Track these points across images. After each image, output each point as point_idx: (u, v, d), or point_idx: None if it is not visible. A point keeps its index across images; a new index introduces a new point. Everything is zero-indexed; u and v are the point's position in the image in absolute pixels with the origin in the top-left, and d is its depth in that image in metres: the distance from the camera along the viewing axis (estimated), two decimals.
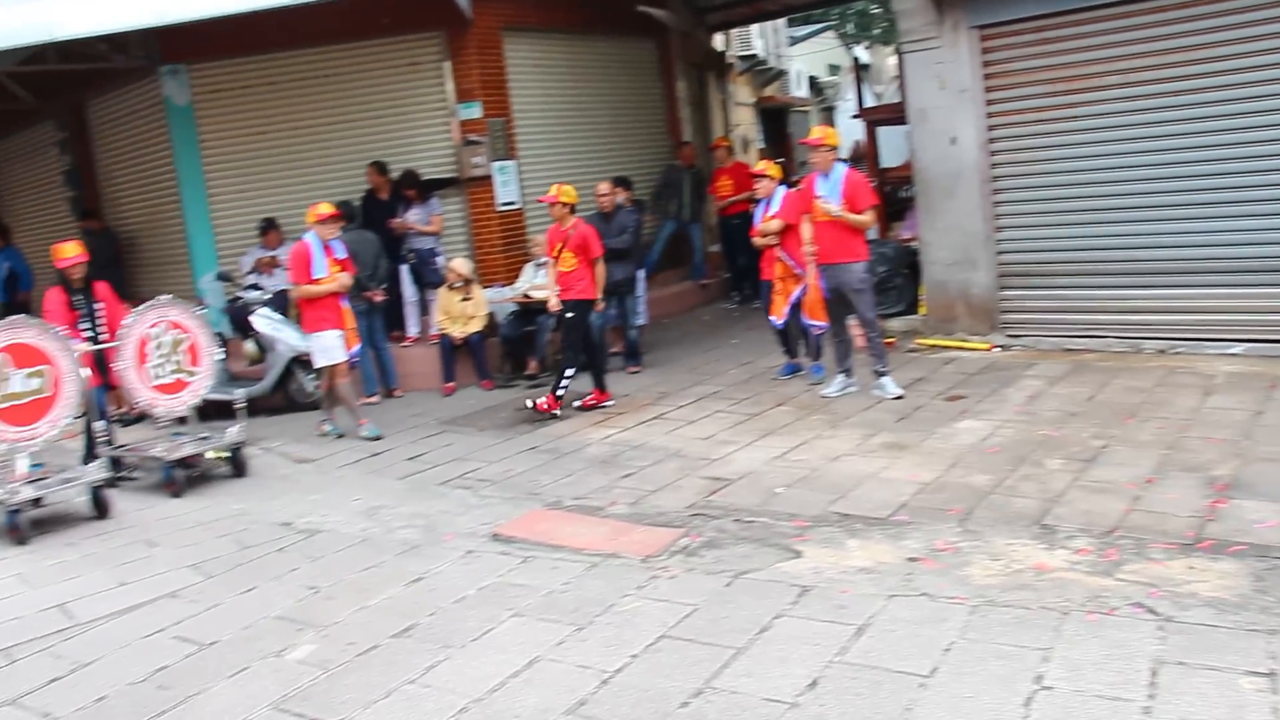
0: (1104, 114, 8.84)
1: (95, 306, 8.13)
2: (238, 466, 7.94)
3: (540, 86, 12.06)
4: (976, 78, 9.38)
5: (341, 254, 8.68)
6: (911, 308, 10.62)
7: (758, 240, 9.00)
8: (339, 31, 11.12)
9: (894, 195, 12.68)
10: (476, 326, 10.19)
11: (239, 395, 8.19)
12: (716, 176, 13.59)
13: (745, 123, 20.23)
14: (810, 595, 4.75)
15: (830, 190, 8.03)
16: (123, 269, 13.31)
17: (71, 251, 8.05)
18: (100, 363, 7.89)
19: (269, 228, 11.02)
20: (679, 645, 4.38)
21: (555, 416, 8.59)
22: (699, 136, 15.20)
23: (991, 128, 9.44)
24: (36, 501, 7.11)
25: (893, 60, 26.84)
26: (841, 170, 8.14)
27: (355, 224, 9.97)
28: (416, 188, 10.68)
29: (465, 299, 10.17)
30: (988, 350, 9.44)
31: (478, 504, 6.66)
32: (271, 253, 10.97)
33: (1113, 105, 8.80)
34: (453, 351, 10.14)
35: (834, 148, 8.17)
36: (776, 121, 23.98)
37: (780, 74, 23.55)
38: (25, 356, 6.92)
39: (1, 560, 6.49)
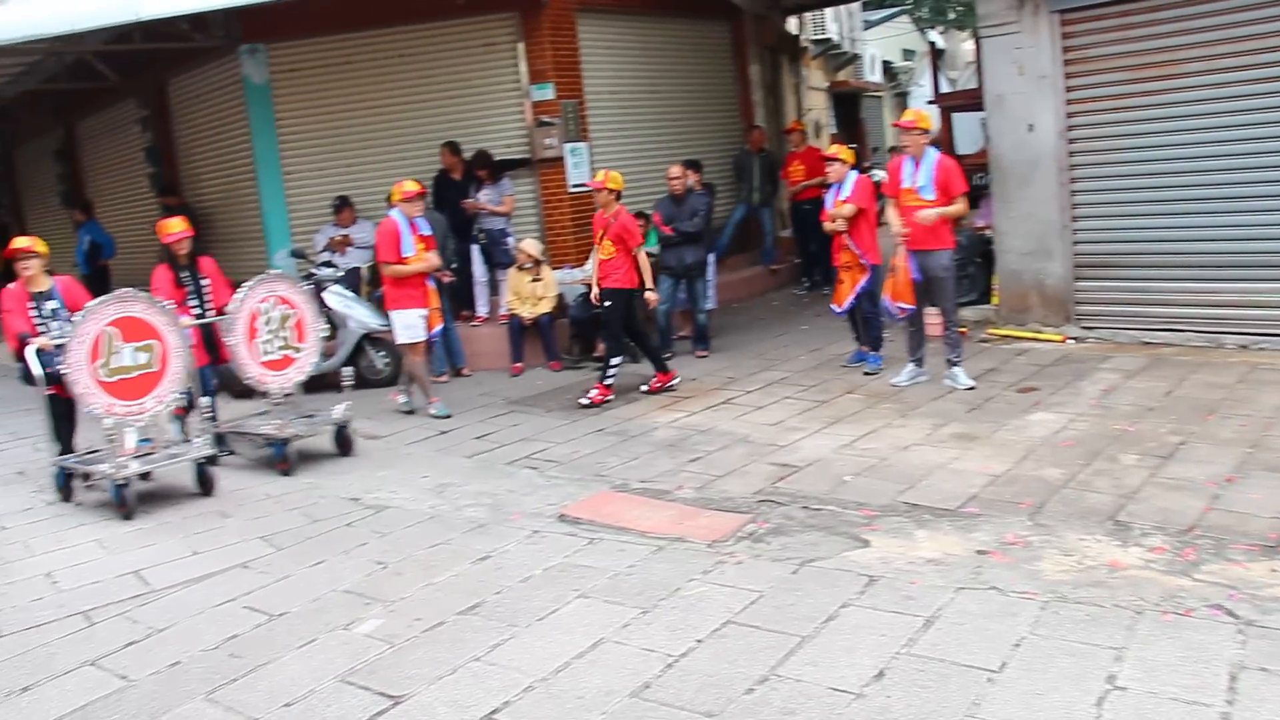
0: (1187, 101, 8.62)
1: (201, 282, 8.06)
2: (343, 445, 7.88)
3: (613, 68, 12.05)
4: (1056, 64, 9.19)
5: (427, 231, 8.72)
6: (984, 297, 10.47)
7: (828, 225, 8.89)
8: (414, 12, 11.21)
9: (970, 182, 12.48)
10: (546, 308, 10.23)
11: (336, 369, 8.36)
12: (789, 161, 13.51)
13: (818, 107, 20.07)
14: (877, 585, 4.72)
15: (923, 176, 7.88)
16: (199, 244, 13.56)
17: (177, 227, 7.99)
18: (207, 339, 7.93)
19: (342, 206, 11.15)
20: (744, 631, 4.38)
21: (609, 402, 8.63)
22: (771, 120, 15.10)
23: (1070, 115, 9.25)
24: (144, 476, 7.19)
25: (968, 45, 26.43)
26: (934, 155, 7.97)
27: (420, 203, 10.03)
28: (489, 168, 10.74)
29: (535, 280, 10.22)
30: (1061, 342, 9.28)
31: (544, 484, 6.70)
32: (344, 231, 11.11)
33: (1196, 93, 8.58)
34: (521, 332, 10.20)
35: (927, 131, 8.00)
36: (849, 106, 23.77)
37: (854, 58, 23.33)
38: (134, 330, 6.89)
39: (81, 526, 6.67)
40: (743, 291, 13.15)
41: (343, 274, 10.50)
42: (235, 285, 7.98)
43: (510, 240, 10.73)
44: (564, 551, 5.47)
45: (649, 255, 10.51)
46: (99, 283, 15.63)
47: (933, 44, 16.29)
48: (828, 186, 9.34)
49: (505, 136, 11.32)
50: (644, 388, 8.82)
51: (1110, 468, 5.97)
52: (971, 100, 11.60)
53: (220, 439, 7.88)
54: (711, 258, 10.55)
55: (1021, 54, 9.32)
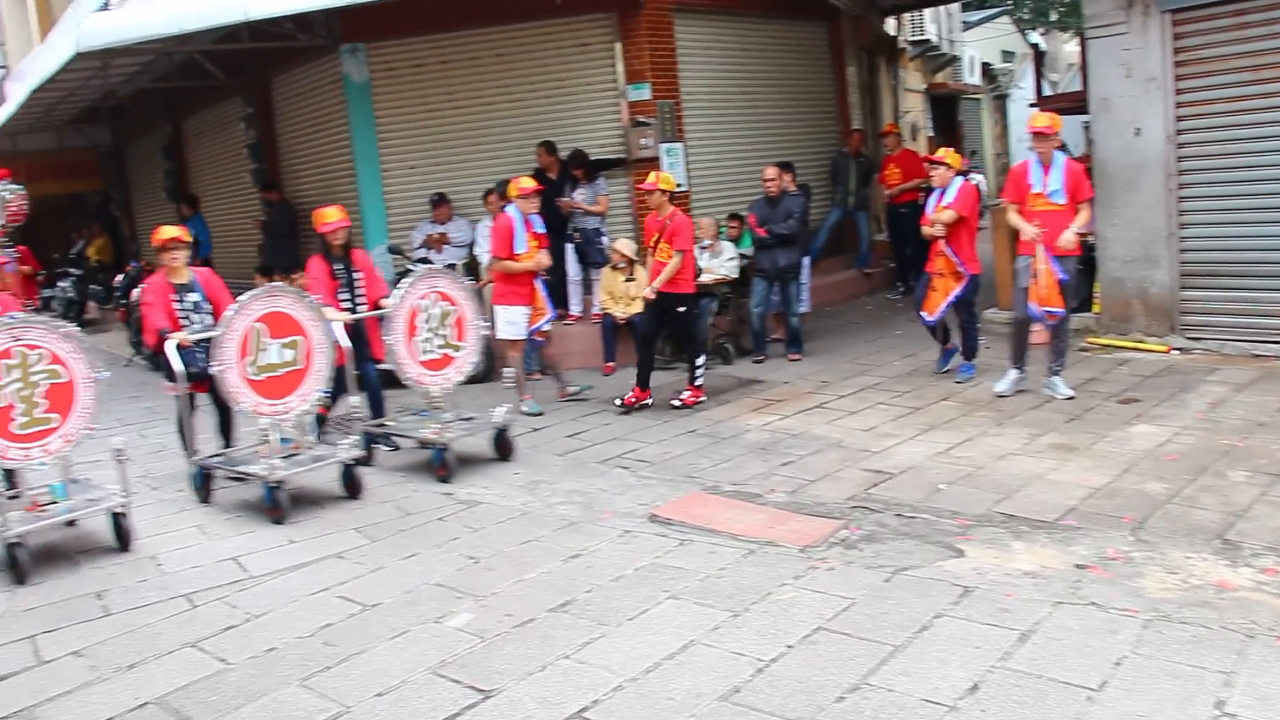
0: None
1: (355, 276, 7.86)
2: (503, 448, 7.53)
3: (709, 69, 12.03)
4: (1166, 65, 8.94)
5: (541, 229, 8.76)
6: (1084, 305, 10.21)
7: (927, 230, 8.71)
8: (512, 12, 11.31)
9: None
10: (639, 307, 10.23)
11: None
12: (885, 164, 13.35)
13: (915, 109, 19.79)
14: (972, 596, 4.63)
15: (1054, 181, 7.69)
16: (299, 239, 13.87)
17: (333, 216, 7.77)
18: (359, 334, 7.75)
19: (439, 202, 11.30)
20: (836, 638, 4.33)
21: (702, 404, 8.61)
22: (868, 123, 14.94)
23: (1180, 118, 9.00)
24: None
25: (1070, 47, 25.89)
26: (1062, 159, 7.77)
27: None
28: (584, 168, 10.79)
29: (628, 279, 10.23)
30: (1165, 352, 9.02)
31: (636, 484, 6.71)
32: (441, 228, 11.26)
33: None
34: (614, 331, 10.22)
35: (1058, 135, 7.84)
36: (947, 109, 23.42)
37: (952, 60, 22.97)
38: (281, 326, 6.67)
39: (182, 512, 6.86)
40: (836, 295, 13.03)
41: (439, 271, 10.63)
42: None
43: (604, 240, 10.77)
44: (655, 552, 5.47)
45: (743, 257, 10.50)
46: None
47: (1035, 45, 15.95)
48: (927, 190, 9.19)
49: (601, 136, 11.36)
50: (618, 400, 8.71)
51: (1218, 484, 5.78)
52: (1074, 104, 11.37)
53: (372, 439, 7.70)
54: (806, 261, 10.47)
55: (1129, 55, 9.08)
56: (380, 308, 7.64)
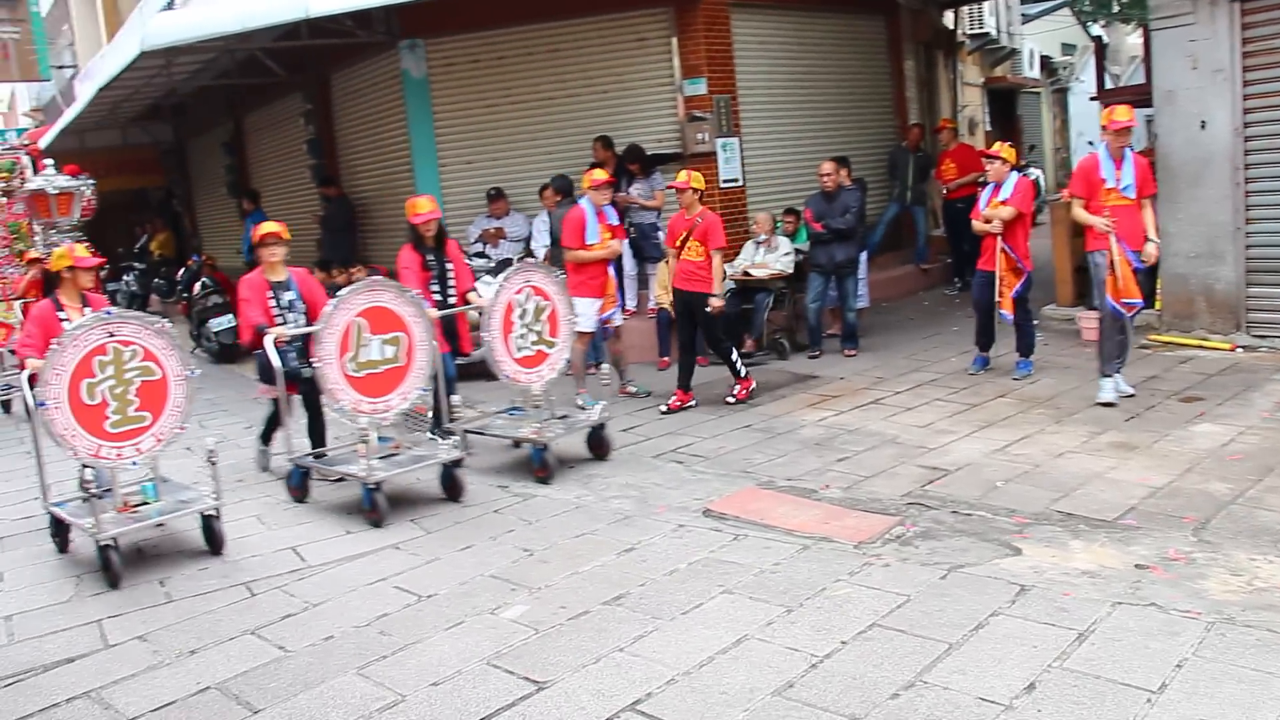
0: None
1: (446, 267, 7.66)
2: (598, 447, 7.33)
3: (766, 63, 11.98)
4: (1234, 57, 8.77)
5: (614, 220, 8.75)
6: (1146, 301, 10.05)
7: (979, 225, 8.57)
8: (568, 7, 11.35)
9: None
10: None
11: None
12: (941, 159, 13.22)
13: (973, 104, 19.56)
14: (1029, 595, 4.58)
15: (1126, 175, 7.47)
16: (356, 234, 14.03)
17: (426, 207, 7.62)
18: (449, 328, 7.63)
19: (496, 197, 11.36)
20: (890, 635, 4.31)
21: (755, 394, 8.60)
22: (926, 117, 14.81)
23: (1248, 111, 8.83)
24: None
25: (1132, 40, 25.40)
26: (1131, 155, 7.58)
27: (570, 198, 10.15)
28: (640, 162, 10.79)
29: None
30: (1230, 350, 8.86)
31: (690, 479, 6.71)
32: (497, 223, 11.32)
33: None
34: (669, 326, 10.21)
35: (1133, 130, 7.64)
36: (1006, 103, 23.11)
37: (1012, 53, 22.65)
38: (383, 321, 6.46)
39: (242, 502, 6.96)
40: (893, 290, 12.93)
41: (495, 265, 10.70)
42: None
43: (660, 235, 10.77)
44: (709, 546, 5.47)
45: (799, 252, 10.46)
46: None
47: (1096, 38, 15.69)
48: (982, 185, 9.09)
49: (657, 131, 11.36)
50: (663, 407, 8.58)
51: None
52: (1137, 97, 11.15)
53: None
54: (863, 256, 10.40)
55: (1196, 46, 8.92)
56: (468, 301, 7.62)
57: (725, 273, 8.99)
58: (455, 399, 7.44)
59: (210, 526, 6.01)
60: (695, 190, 8.48)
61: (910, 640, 4.25)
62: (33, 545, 6.55)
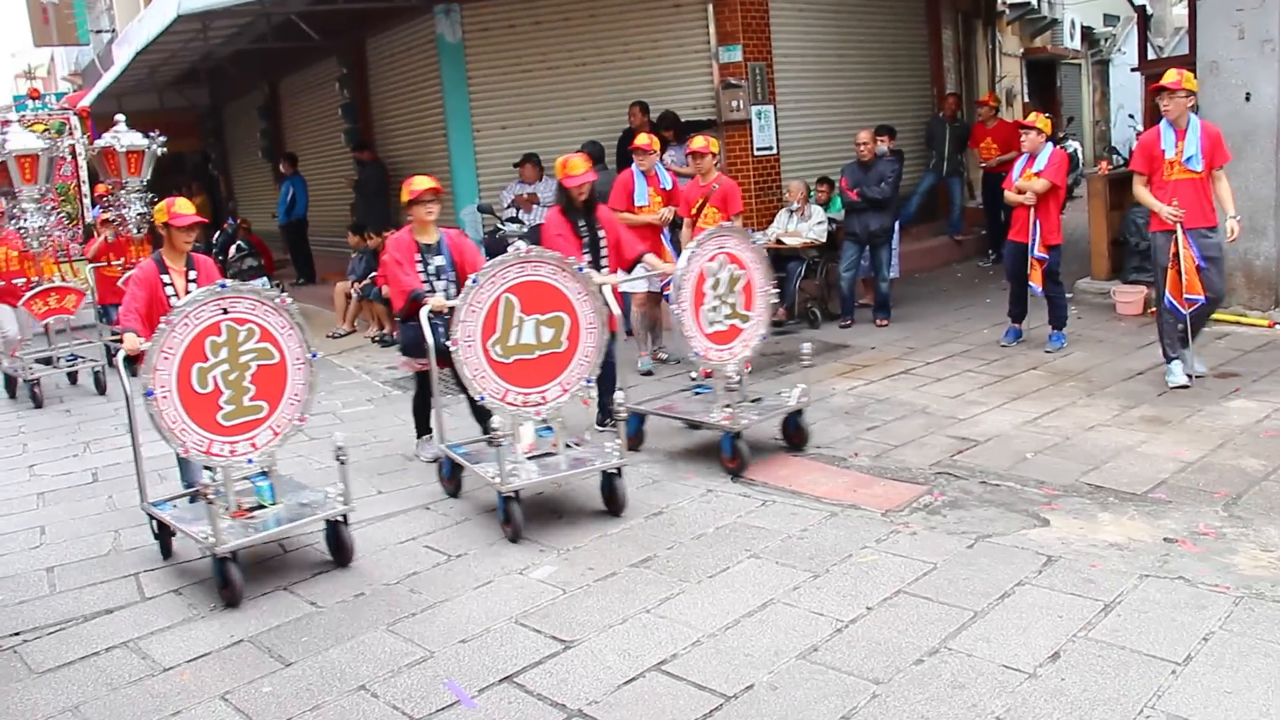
0: None
1: (599, 235, 6.88)
2: (795, 436, 6.49)
3: (802, 31, 11.90)
4: None
5: (666, 184, 8.62)
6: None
7: (1011, 197, 8.45)
8: None
9: None
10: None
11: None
12: (981, 136, 13.03)
13: (1011, 75, 19.32)
14: (1056, 565, 4.58)
15: (1190, 145, 7.02)
16: (390, 199, 14.08)
17: (580, 168, 6.74)
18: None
19: (525, 162, 11.36)
20: (916, 602, 4.32)
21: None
22: (963, 87, 14.67)
23: None
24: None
25: (1177, 10, 24.98)
26: (1197, 123, 7.14)
27: (601, 165, 10.13)
28: (674, 129, 10.76)
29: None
30: (1268, 327, 8.76)
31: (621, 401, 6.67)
32: (530, 188, 11.33)
33: None
34: None
35: (1192, 93, 7.17)
36: (1045, 74, 22.83)
37: (1052, 23, 22.32)
38: (539, 299, 5.56)
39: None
40: (926, 261, 12.86)
41: (528, 230, 10.71)
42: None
43: None
44: (737, 512, 5.50)
45: (832, 221, 10.42)
46: (295, 235, 16.44)
47: (1140, 8, 15.43)
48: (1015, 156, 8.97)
49: (692, 98, 11.33)
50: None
51: None
52: (1180, 68, 10.98)
53: (640, 419, 6.77)
54: (896, 226, 10.35)
55: (1243, 16, 8.77)
56: (633, 270, 7.00)
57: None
58: (618, 396, 5.97)
59: (338, 535, 5.23)
60: (714, 156, 8.45)
61: (935, 608, 4.27)
62: (71, 501, 6.68)
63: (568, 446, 5.78)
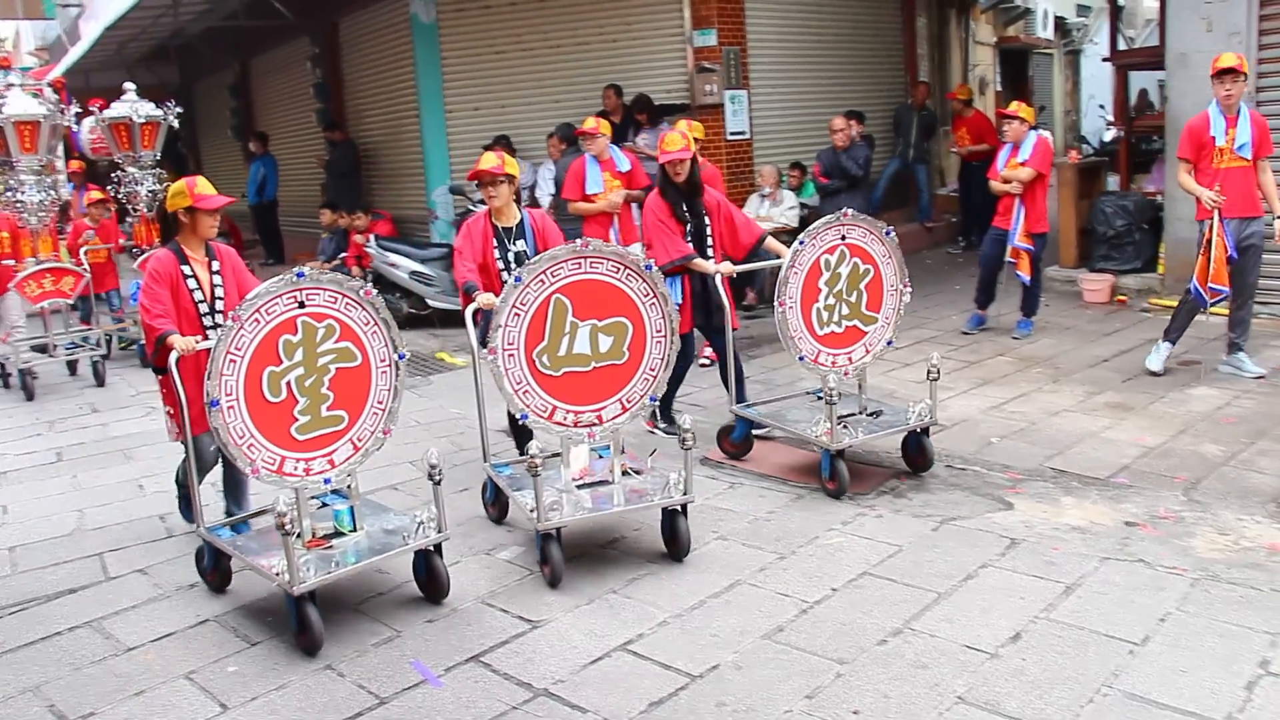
0: None
1: (703, 217, 6.19)
2: (919, 458, 5.64)
3: (777, 16, 11.91)
4: (1251, 19, 8.70)
5: (624, 167, 8.52)
6: (1148, 265, 10.06)
7: (997, 186, 8.51)
8: None
9: (1140, 145, 12.00)
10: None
11: None
12: (956, 127, 13.09)
13: (984, 63, 19.38)
14: (1019, 548, 4.64)
15: (1242, 133, 6.85)
16: (361, 178, 14.02)
17: (677, 144, 6.09)
18: (705, 297, 6.11)
19: (496, 144, 11.31)
20: (880, 584, 4.37)
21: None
22: (936, 75, 14.73)
23: (1261, 75, 8.76)
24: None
25: (1148, 2, 25.13)
26: (1247, 110, 6.98)
27: (575, 147, 10.11)
28: (648, 113, 10.75)
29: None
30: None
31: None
32: None
33: None
34: None
35: (1246, 78, 6.96)
36: (1017, 63, 22.91)
37: (1025, 13, 22.40)
38: (596, 301, 4.73)
39: None
40: None
41: None
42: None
43: None
44: (705, 494, 5.52)
45: (804, 206, 10.45)
46: (266, 216, 16.32)
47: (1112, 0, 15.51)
48: (999, 146, 9.00)
49: (666, 81, 11.32)
50: None
51: (1276, 448, 5.71)
52: (1150, 59, 11.09)
53: (748, 426, 6.12)
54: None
55: (1211, 9, 8.85)
56: (750, 258, 6.29)
57: None
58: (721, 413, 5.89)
59: (431, 567, 4.47)
60: (695, 141, 8.40)
61: (900, 589, 4.31)
62: (35, 480, 6.63)
63: (625, 474, 4.98)
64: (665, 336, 4.88)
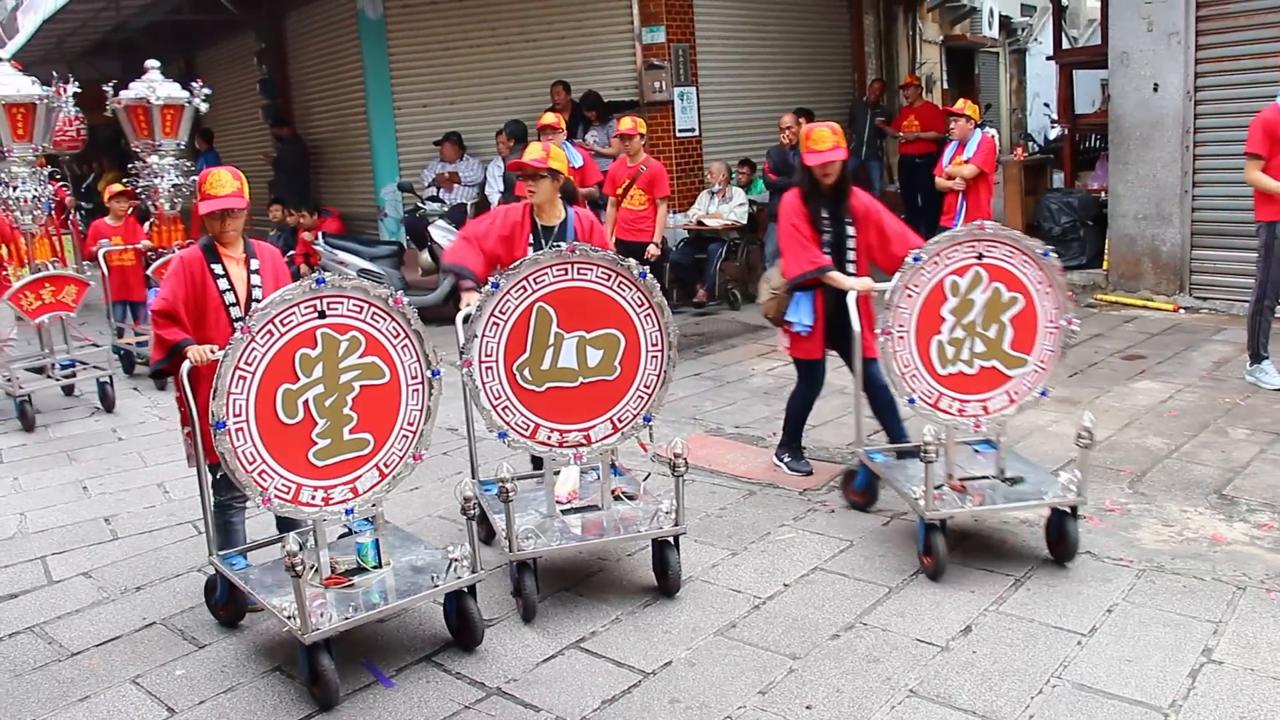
0: None
1: (846, 228, 5.23)
2: (1062, 546, 4.40)
3: (725, 13, 11.94)
4: (1189, 20, 8.85)
5: (577, 161, 8.44)
6: (1094, 261, 10.22)
7: (942, 183, 8.58)
8: None
9: (1083, 143, 12.18)
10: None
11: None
12: (904, 115, 13.22)
13: (931, 61, 19.56)
14: (968, 542, 4.68)
15: None
16: (309, 175, 13.88)
17: (826, 143, 5.11)
18: (840, 317, 5.10)
19: (446, 140, 11.25)
20: (832, 579, 4.39)
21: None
22: (884, 73, 14.83)
23: (1199, 75, 8.92)
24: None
25: (1091, 2, 25.49)
26: None
27: (524, 144, 10.06)
28: (597, 110, 10.74)
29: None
30: (1173, 310, 9.02)
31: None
32: (452, 167, 11.24)
33: None
34: None
35: None
36: (964, 62, 23.15)
37: (971, 12, 22.65)
38: (584, 312, 4.29)
39: None
40: None
41: (449, 209, 10.63)
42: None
43: None
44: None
45: (752, 203, 10.48)
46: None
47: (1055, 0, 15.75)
48: (943, 142, 9.10)
49: (615, 78, 11.32)
50: None
51: (1218, 440, 5.81)
52: (1093, 58, 11.26)
53: (870, 476, 5.10)
54: None
55: (1151, 9, 9.00)
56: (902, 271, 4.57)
57: (670, 222, 8.93)
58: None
59: (463, 610, 4.01)
60: (641, 137, 8.42)
61: (851, 584, 4.34)
62: None
63: (617, 499, 4.62)
64: (661, 351, 4.39)
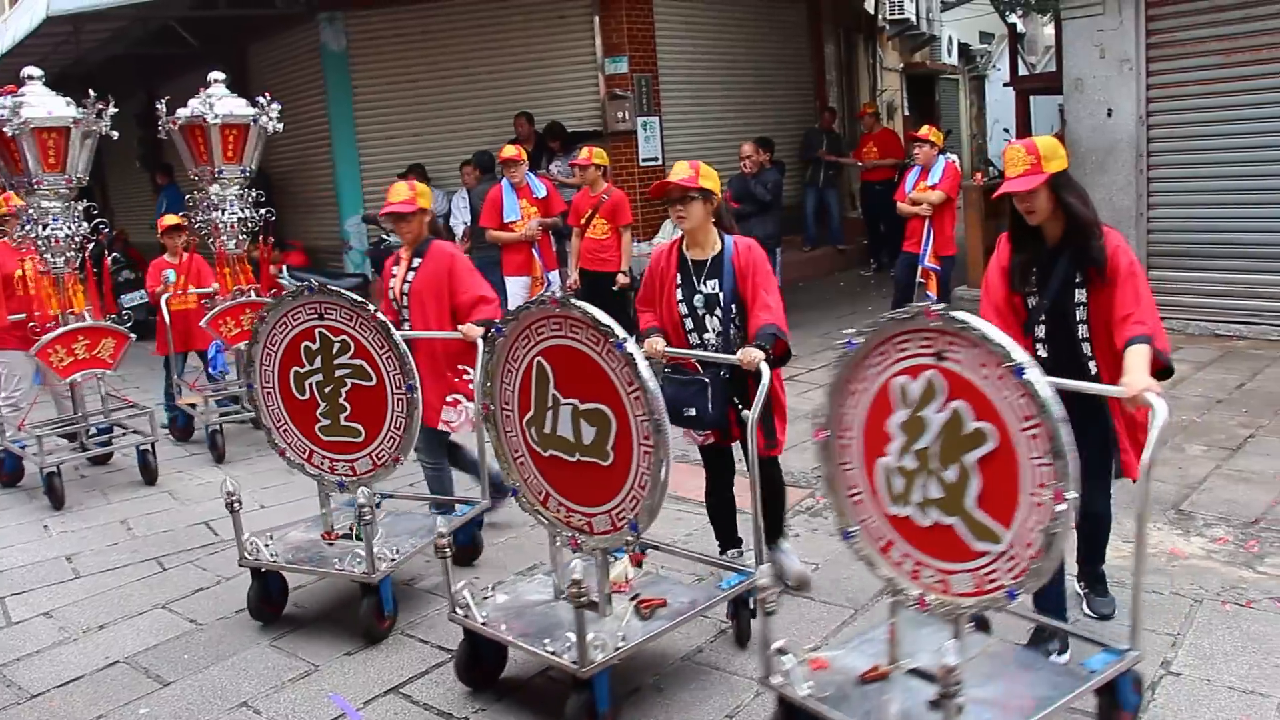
0: (1275, 89, 8.41)
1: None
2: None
3: (688, 44, 12.07)
4: (1140, 48, 9.01)
5: (540, 193, 8.52)
6: None
7: (905, 208, 8.59)
8: None
9: None
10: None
11: None
12: (863, 142, 13.39)
13: (892, 88, 19.84)
14: None
15: None
16: (273, 209, 13.83)
17: (1020, 167, 3.79)
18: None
19: (409, 173, 11.26)
20: (798, 602, 4.43)
21: None
22: (845, 101, 15.04)
23: (1151, 100, 9.08)
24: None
25: (1048, 30, 25.90)
26: None
27: (491, 175, 10.11)
28: (560, 140, 10.80)
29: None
30: None
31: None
32: None
33: None
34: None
35: None
36: (924, 88, 23.47)
37: (931, 39, 22.99)
38: (576, 376, 3.62)
39: (134, 483, 6.83)
40: (809, 271, 13.10)
41: None
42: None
43: None
44: None
45: None
46: None
47: (1012, 26, 16.01)
48: (907, 168, 9.17)
49: (579, 108, 11.40)
50: None
51: (1175, 457, 5.89)
52: (1048, 84, 11.45)
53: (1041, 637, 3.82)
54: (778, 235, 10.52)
55: (1104, 37, 9.16)
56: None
57: (635, 251, 8.96)
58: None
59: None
60: (599, 167, 8.46)
61: (817, 607, 4.37)
62: None
63: (642, 618, 3.80)
64: (653, 445, 3.44)
